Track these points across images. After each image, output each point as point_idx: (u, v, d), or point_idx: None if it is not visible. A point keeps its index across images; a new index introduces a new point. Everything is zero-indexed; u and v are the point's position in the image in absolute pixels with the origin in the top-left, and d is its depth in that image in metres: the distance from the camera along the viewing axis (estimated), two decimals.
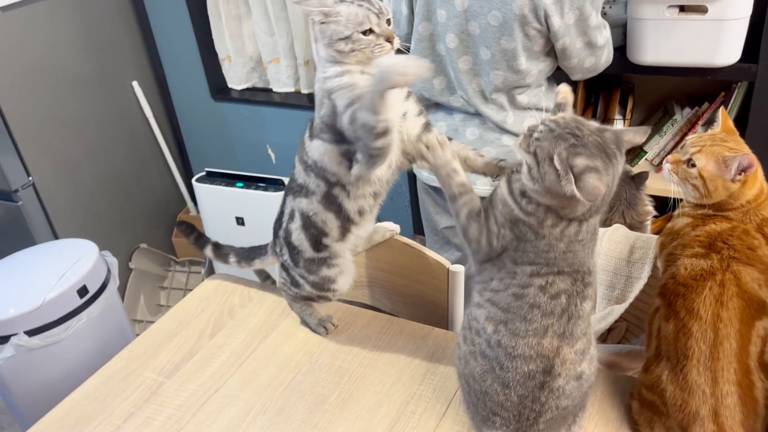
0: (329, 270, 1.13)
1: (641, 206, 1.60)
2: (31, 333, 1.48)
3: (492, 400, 0.88)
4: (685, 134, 1.90)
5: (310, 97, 2.41)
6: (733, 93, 1.75)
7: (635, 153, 2.00)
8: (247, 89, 2.54)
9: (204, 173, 2.52)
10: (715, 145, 0.94)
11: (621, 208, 1.57)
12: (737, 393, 0.84)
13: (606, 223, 1.64)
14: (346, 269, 1.14)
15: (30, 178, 2.30)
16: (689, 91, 1.99)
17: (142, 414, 1.09)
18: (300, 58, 2.29)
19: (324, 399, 1.08)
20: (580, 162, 0.77)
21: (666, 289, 0.92)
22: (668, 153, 1.94)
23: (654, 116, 2.08)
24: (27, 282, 1.54)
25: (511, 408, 0.87)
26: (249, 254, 1.27)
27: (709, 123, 1.85)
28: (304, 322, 1.24)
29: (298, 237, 1.11)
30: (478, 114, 1.52)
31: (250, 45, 2.43)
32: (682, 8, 1.58)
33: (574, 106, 1.97)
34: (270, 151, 2.63)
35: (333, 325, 1.23)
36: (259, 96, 2.53)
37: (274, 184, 2.34)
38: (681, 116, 1.92)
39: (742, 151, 0.93)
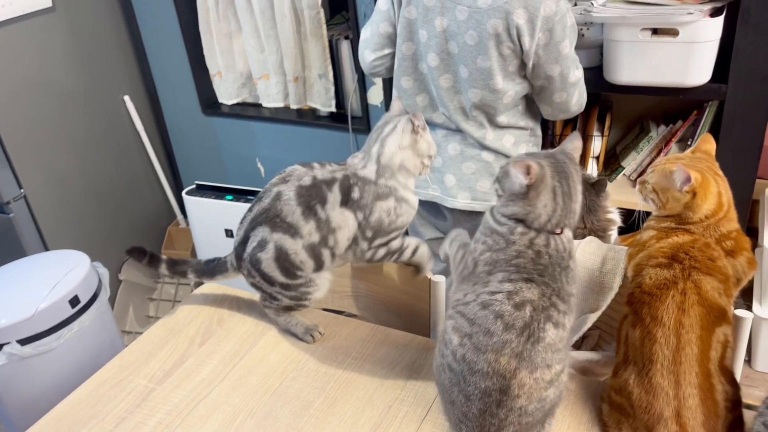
0: (307, 288, 1.19)
1: (602, 213, 1.68)
2: (23, 342, 1.51)
3: (458, 410, 0.92)
4: (660, 151, 1.97)
5: (299, 112, 2.47)
6: (705, 112, 1.82)
7: (613, 168, 2.07)
8: (237, 104, 2.60)
9: (194, 186, 2.57)
10: (673, 162, 1.01)
11: (582, 213, 1.65)
12: (698, 395, 0.90)
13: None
14: (323, 285, 1.21)
15: (21, 190, 2.33)
16: (665, 109, 2.06)
17: (134, 419, 1.12)
18: (289, 74, 2.35)
19: (310, 404, 1.12)
20: (521, 155, 0.95)
21: (633, 298, 0.98)
22: (645, 169, 2.02)
23: (631, 133, 2.15)
24: (19, 292, 1.57)
25: (473, 419, 0.90)
26: (208, 269, 1.27)
27: (683, 140, 1.92)
28: (291, 332, 1.28)
29: (269, 266, 1.15)
30: (459, 130, 1.58)
31: (240, 61, 2.49)
32: (655, 31, 1.65)
33: (553, 121, 2.05)
34: (259, 165, 2.68)
35: (319, 333, 1.27)
36: (249, 111, 2.58)
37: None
38: (656, 133, 2.00)
39: (699, 168, 1.00)
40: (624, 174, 2.04)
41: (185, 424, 1.10)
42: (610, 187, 2.01)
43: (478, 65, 1.45)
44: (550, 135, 2.03)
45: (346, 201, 1.13)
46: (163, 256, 1.30)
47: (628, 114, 2.16)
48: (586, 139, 2.00)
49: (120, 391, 1.19)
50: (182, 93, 2.68)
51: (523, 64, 1.46)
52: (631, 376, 0.94)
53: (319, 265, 1.17)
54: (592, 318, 1.17)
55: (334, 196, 1.13)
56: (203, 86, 2.61)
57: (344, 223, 1.13)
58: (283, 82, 2.39)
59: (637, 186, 1.08)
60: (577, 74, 1.50)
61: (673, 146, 1.94)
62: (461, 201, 1.64)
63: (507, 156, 1.57)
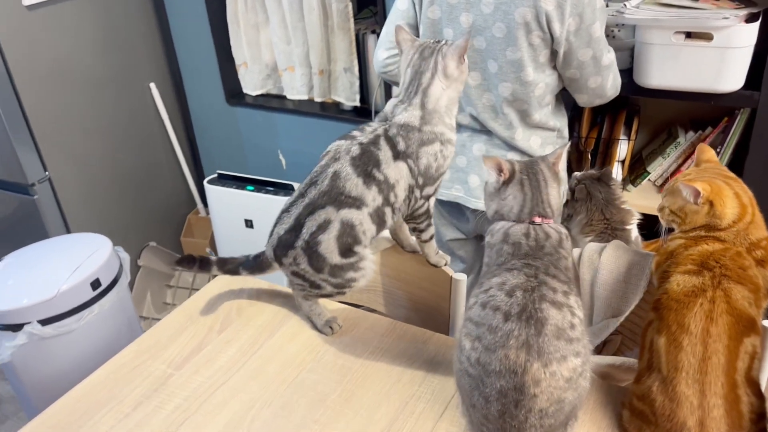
0: (355, 273, 1.17)
1: (619, 202, 1.67)
2: (44, 322, 1.53)
3: (479, 413, 0.91)
4: (688, 157, 1.94)
5: (323, 105, 2.47)
6: (736, 119, 1.79)
7: (638, 173, 2.04)
8: (262, 95, 2.60)
9: (216, 175, 2.58)
10: (684, 178, 1.01)
11: (600, 206, 1.64)
12: (723, 406, 0.88)
13: (588, 223, 1.69)
14: (369, 272, 1.19)
15: (47, 172, 2.36)
16: (694, 115, 2.03)
17: (151, 403, 1.13)
18: (315, 67, 2.35)
19: (326, 396, 1.12)
20: (490, 156, 1.02)
21: (659, 304, 0.96)
22: (671, 175, 1.99)
23: (658, 138, 2.12)
24: (42, 273, 1.59)
25: (494, 421, 0.89)
26: (257, 265, 1.25)
27: (712, 148, 1.89)
28: (311, 321, 1.28)
29: (328, 246, 1.13)
30: (485, 131, 1.56)
31: (266, 52, 2.49)
32: (689, 35, 1.62)
33: (579, 123, 2.03)
34: (281, 157, 2.68)
35: (338, 325, 1.27)
36: (273, 102, 2.58)
37: (283, 189, 2.39)
38: (684, 140, 1.97)
39: (708, 177, 0.99)
40: (649, 179, 2.01)
41: (202, 410, 1.11)
42: (636, 192, 2.00)
43: (508, 58, 1.43)
44: (575, 136, 2.01)
45: (397, 154, 1.12)
46: (213, 258, 1.26)
47: (657, 119, 2.12)
48: (612, 143, 1.98)
49: (138, 375, 1.20)
50: (207, 82, 2.69)
51: (553, 54, 1.44)
52: (655, 383, 0.93)
53: (381, 227, 1.16)
54: (614, 323, 1.15)
55: (385, 153, 1.12)
56: (228, 76, 2.62)
57: (400, 175, 1.13)
58: (308, 74, 2.39)
59: (658, 214, 1.08)
60: (609, 57, 1.48)
61: None
62: (482, 202, 1.63)
63: (531, 156, 1.55)
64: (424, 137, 1.14)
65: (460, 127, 1.61)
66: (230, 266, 1.26)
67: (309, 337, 1.27)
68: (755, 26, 1.57)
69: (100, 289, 1.62)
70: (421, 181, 1.16)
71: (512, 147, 1.55)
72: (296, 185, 2.31)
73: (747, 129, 1.78)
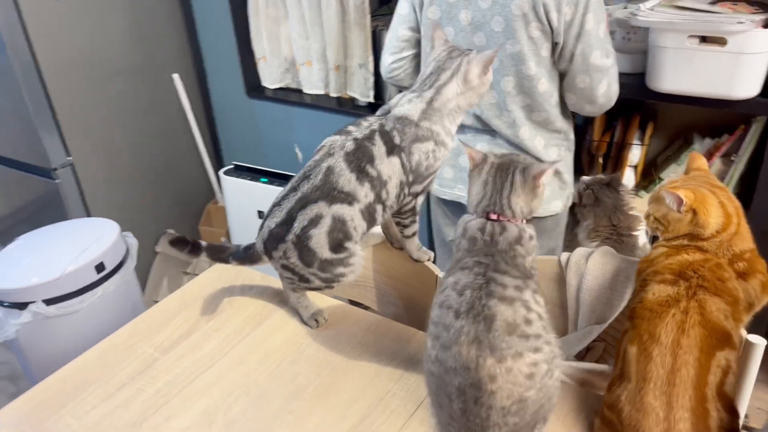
0: (344, 268, 1.17)
1: (627, 208, 1.64)
2: (48, 302, 1.58)
3: (445, 412, 0.91)
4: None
5: (339, 100, 2.48)
6: (752, 127, 1.74)
7: (651, 179, 2.00)
8: (280, 89, 2.63)
9: (232, 166, 2.62)
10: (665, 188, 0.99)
11: (608, 213, 1.62)
12: (690, 419, 0.86)
13: (595, 229, 1.66)
14: (358, 268, 1.20)
15: (69, 158, 2.42)
16: (713, 122, 1.98)
17: (135, 385, 1.16)
18: (331, 62, 2.36)
19: (303, 388, 1.13)
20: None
21: (634, 313, 0.95)
22: None
23: (675, 144, 2.07)
24: (50, 254, 1.65)
25: (458, 419, 0.89)
26: (247, 256, 1.26)
27: (727, 155, 1.84)
28: (297, 314, 1.30)
29: (319, 242, 1.14)
30: (488, 130, 1.55)
31: (285, 47, 2.52)
32: (704, 39, 1.58)
33: (591, 126, 1.99)
34: (297, 150, 2.71)
35: (324, 319, 1.29)
36: (291, 96, 2.61)
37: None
38: (700, 146, 1.92)
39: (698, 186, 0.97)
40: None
41: (182, 395, 1.13)
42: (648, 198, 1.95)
43: (508, 51, 1.42)
44: (588, 140, 1.98)
45: (391, 149, 1.12)
46: (203, 243, 1.27)
47: (674, 124, 2.08)
48: (624, 147, 1.94)
49: (127, 357, 1.23)
50: (228, 74, 2.73)
51: (555, 48, 1.41)
52: (624, 392, 0.91)
53: (371, 224, 1.17)
54: (598, 329, 1.14)
55: (379, 148, 1.12)
56: (248, 69, 2.65)
57: (392, 171, 1.13)
58: (325, 69, 2.41)
59: (645, 222, 1.07)
60: (603, 60, 1.40)
61: (717, 161, 1.86)
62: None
63: (536, 159, 1.53)
64: (419, 133, 1.14)
65: (463, 127, 1.60)
66: (221, 255, 1.28)
67: (295, 329, 1.28)
68: None
69: (104, 272, 1.67)
70: (411, 177, 1.16)
71: (516, 146, 1.53)
72: None
73: (763, 138, 1.73)
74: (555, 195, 1.57)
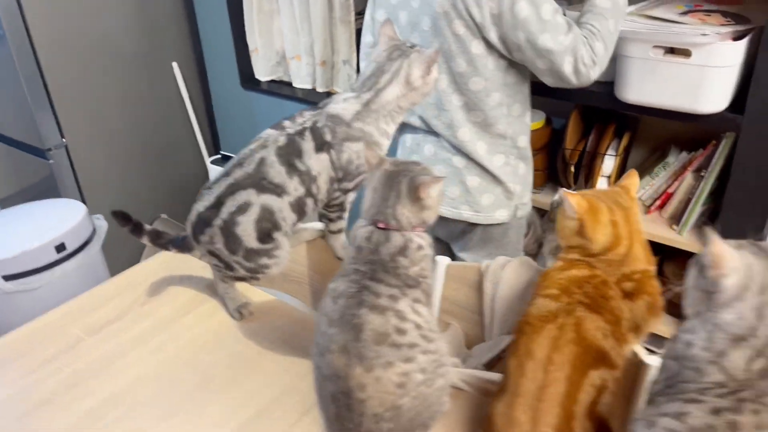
0: (269, 260, 1.18)
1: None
2: (7, 278, 1.64)
3: (325, 414, 0.93)
4: (677, 178, 1.85)
5: (328, 95, 2.49)
6: (721, 143, 1.69)
7: None
8: (273, 81, 2.66)
9: (219, 156, 2.66)
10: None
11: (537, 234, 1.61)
12: None
13: (558, 246, 1.64)
14: (283, 261, 1.21)
15: (63, 139, 2.50)
16: (692, 135, 1.92)
17: (56, 363, 1.20)
18: (318, 57, 2.38)
19: (212, 378, 1.16)
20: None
21: (518, 326, 0.94)
22: (660, 196, 1.89)
23: (652, 156, 2.02)
24: (12, 233, 1.71)
25: (335, 422, 0.90)
26: (185, 244, 1.27)
27: (698, 170, 1.79)
28: (224, 304, 1.32)
29: (246, 229, 1.15)
30: (433, 132, 1.54)
31: (278, 40, 2.54)
32: (670, 50, 1.54)
33: (565, 133, 1.96)
34: None
35: (249, 312, 1.30)
36: (283, 89, 2.63)
37: None
38: (675, 159, 1.87)
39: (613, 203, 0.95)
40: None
41: (96, 377, 1.17)
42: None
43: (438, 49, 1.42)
44: (562, 148, 1.95)
45: (321, 145, 1.13)
46: (147, 227, 1.28)
47: (654, 135, 2.02)
48: (595, 157, 1.90)
49: (56, 336, 1.27)
50: (226, 65, 2.77)
51: (489, 46, 1.38)
52: (499, 405, 0.91)
53: (301, 216, 1.18)
54: (506, 339, 1.12)
55: (308, 144, 1.13)
56: (243, 60, 2.69)
57: (322, 167, 1.14)
58: (312, 64, 2.42)
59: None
60: (551, 41, 1.32)
61: (689, 175, 1.81)
62: None
63: (479, 164, 1.51)
64: (350, 133, 1.15)
65: (414, 129, 1.60)
66: (161, 241, 1.29)
67: (221, 320, 1.30)
68: (739, 45, 1.47)
69: (64, 253, 1.72)
70: (341, 174, 1.17)
71: (457, 150, 1.51)
72: None
73: (732, 154, 1.68)
74: (500, 204, 1.56)
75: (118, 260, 2.14)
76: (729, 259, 0.70)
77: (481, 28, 1.35)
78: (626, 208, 0.97)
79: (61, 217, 1.76)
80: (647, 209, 1.92)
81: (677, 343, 0.74)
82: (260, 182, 1.14)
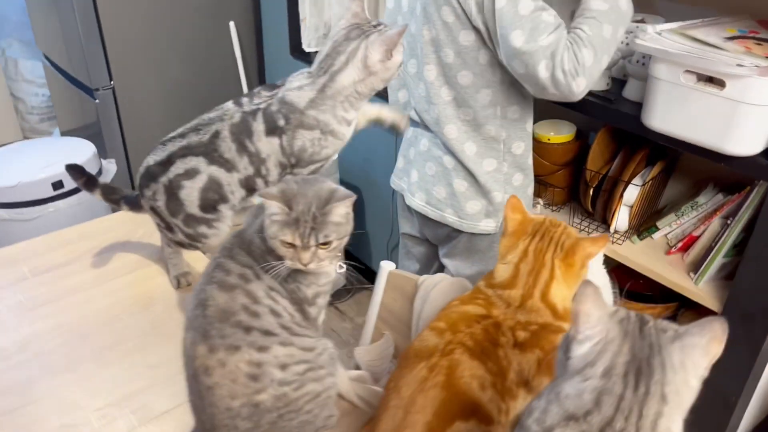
0: (208, 229, 1.17)
1: None
2: (3, 206, 1.71)
3: (192, 403, 0.89)
4: (705, 221, 1.65)
5: None
6: (754, 190, 1.48)
7: (647, 226, 1.78)
8: (316, 53, 2.61)
9: None
10: None
11: None
12: None
13: None
14: (222, 234, 1.18)
15: (111, 82, 2.57)
16: (739, 177, 1.71)
17: None
18: None
19: (123, 342, 1.15)
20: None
21: (401, 355, 0.85)
22: (683, 239, 1.70)
23: (689, 192, 1.82)
24: (20, 163, 1.77)
25: (195, 414, 0.87)
26: (137, 203, 1.25)
27: (727, 217, 1.59)
28: (167, 269, 1.30)
29: (190, 195, 1.14)
30: (428, 127, 1.45)
31: (327, 11, 2.49)
32: (707, 78, 1.36)
33: (588, 151, 1.77)
34: None
35: (187, 282, 1.28)
36: None
37: None
38: (705, 200, 1.67)
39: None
40: (652, 237, 1.74)
41: (19, 317, 1.20)
42: (638, 246, 1.73)
43: (426, 37, 1.32)
44: (584, 168, 1.79)
45: (273, 129, 1.10)
46: (101, 182, 1.28)
47: (696, 169, 1.82)
48: (617, 184, 1.73)
49: (5, 269, 1.31)
50: (280, 31, 2.75)
51: (480, 38, 1.26)
52: None
53: (250, 193, 1.16)
54: (391, 347, 1.04)
55: (258, 126, 1.10)
56: (294, 29, 2.66)
57: (271, 150, 1.11)
58: None
59: None
60: (520, 38, 1.17)
61: (716, 221, 1.61)
62: (417, 201, 1.53)
63: (466, 167, 1.40)
64: (304, 121, 1.10)
65: (414, 120, 1.51)
66: (114, 196, 1.29)
67: (158, 284, 1.29)
68: None
69: (61, 191, 1.76)
70: (293, 160, 1.13)
71: (447, 149, 1.41)
72: None
73: (761, 205, 1.47)
74: (487, 213, 1.45)
75: None
76: (586, 324, 0.58)
77: (468, 15, 1.24)
78: (550, 267, 0.85)
79: (68, 156, 1.81)
80: (668, 250, 1.73)
81: (525, 408, 0.64)
82: (212, 153, 1.11)
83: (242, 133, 1.10)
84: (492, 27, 1.22)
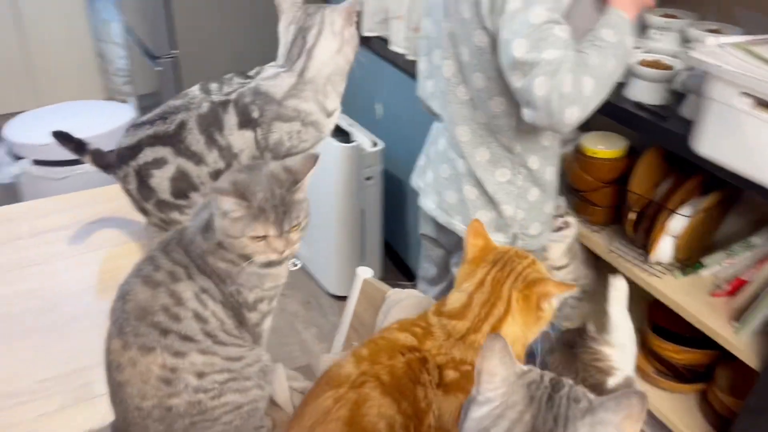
0: (180, 215, 1.15)
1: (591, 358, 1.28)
2: (37, 162, 1.76)
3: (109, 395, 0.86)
4: (757, 265, 1.45)
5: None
6: None
7: (692, 262, 1.58)
8: (378, 38, 2.53)
9: None
10: None
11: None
12: None
13: None
14: None
15: (175, 50, 2.61)
16: None
17: None
18: (413, 21, 2.21)
19: (64, 324, 1.12)
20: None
21: (318, 377, 0.77)
22: (731, 281, 1.51)
23: (744, 230, 1.61)
24: (60, 124, 1.81)
25: (112, 408, 0.84)
26: None
27: None
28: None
29: (160, 183, 1.11)
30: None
31: None
32: (765, 103, 1.17)
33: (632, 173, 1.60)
34: (377, 106, 2.62)
35: None
36: (382, 49, 2.49)
37: (342, 134, 2.37)
38: (762, 242, 1.47)
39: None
40: (698, 274, 1.56)
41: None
42: (682, 282, 1.55)
43: (445, 30, 1.23)
44: (626, 190, 1.61)
45: (246, 122, 1.06)
46: (91, 147, 1.25)
47: (761, 206, 1.60)
48: (660, 210, 1.55)
49: (4, 227, 1.32)
50: None
51: (492, 42, 1.14)
52: None
53: None
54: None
55: (230, 118, 1.06)
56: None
57: (245, 144, 1.08)
58: (408, 28, 2.26)
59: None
60: (522, 48, 1.04)
61: (766, 267, 1.41)
62: (429, 203, 1.44)
63: (476, 175, 1.29)
64: (282, 112, 1.05)
65: (436, 116, 1.42)
66: (103, 162, 1.24)
67: (123, 265, 1.26)
68: None
69: None
70: (268, 156, 1.08)
71: (462, 155, 1.30)
72: (368, 139, 2.28)
73: None
74: (496, 227, 1.34)
75: None
76: (489, 384, 0.49)
77: (482, 14, 1.12)
78: (507, 300, 0.74)
79: (108, 120, 1.85)
80: (714, 291, 1.54)
81: None
82: (178, 145, 1.08)
83: (211, 125, 1.05)
84: (496, 30, 1.10)
